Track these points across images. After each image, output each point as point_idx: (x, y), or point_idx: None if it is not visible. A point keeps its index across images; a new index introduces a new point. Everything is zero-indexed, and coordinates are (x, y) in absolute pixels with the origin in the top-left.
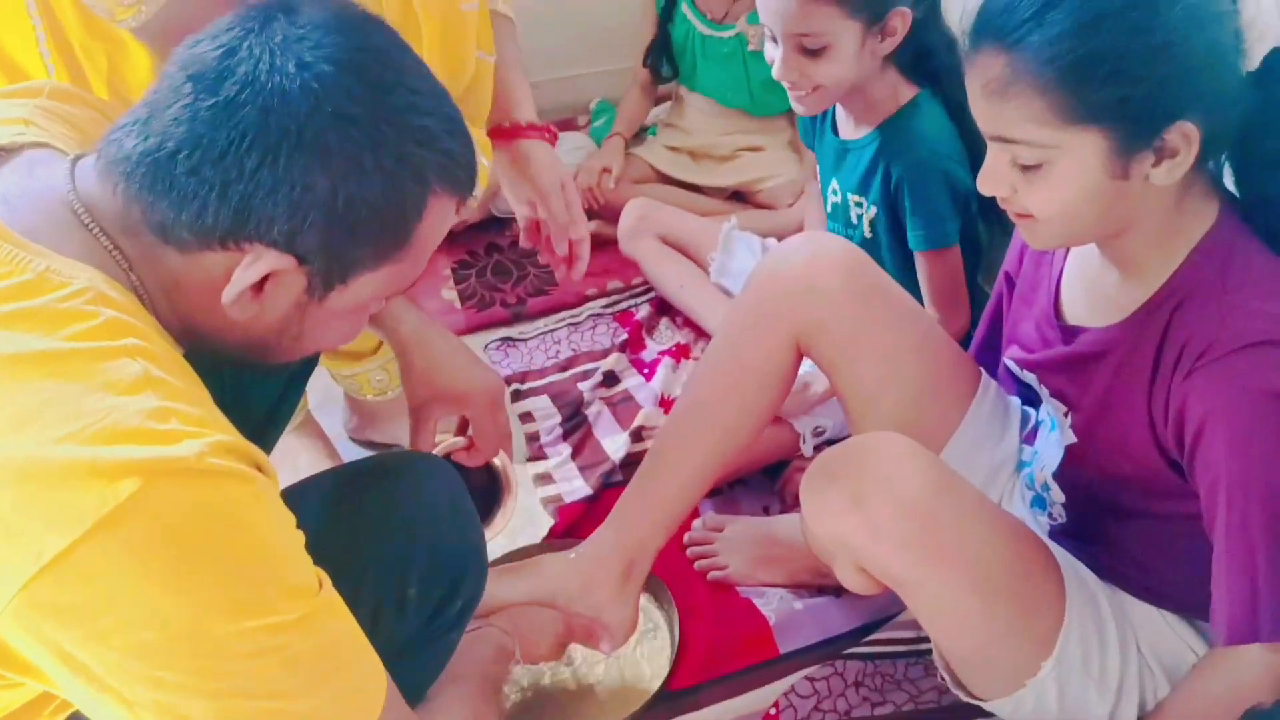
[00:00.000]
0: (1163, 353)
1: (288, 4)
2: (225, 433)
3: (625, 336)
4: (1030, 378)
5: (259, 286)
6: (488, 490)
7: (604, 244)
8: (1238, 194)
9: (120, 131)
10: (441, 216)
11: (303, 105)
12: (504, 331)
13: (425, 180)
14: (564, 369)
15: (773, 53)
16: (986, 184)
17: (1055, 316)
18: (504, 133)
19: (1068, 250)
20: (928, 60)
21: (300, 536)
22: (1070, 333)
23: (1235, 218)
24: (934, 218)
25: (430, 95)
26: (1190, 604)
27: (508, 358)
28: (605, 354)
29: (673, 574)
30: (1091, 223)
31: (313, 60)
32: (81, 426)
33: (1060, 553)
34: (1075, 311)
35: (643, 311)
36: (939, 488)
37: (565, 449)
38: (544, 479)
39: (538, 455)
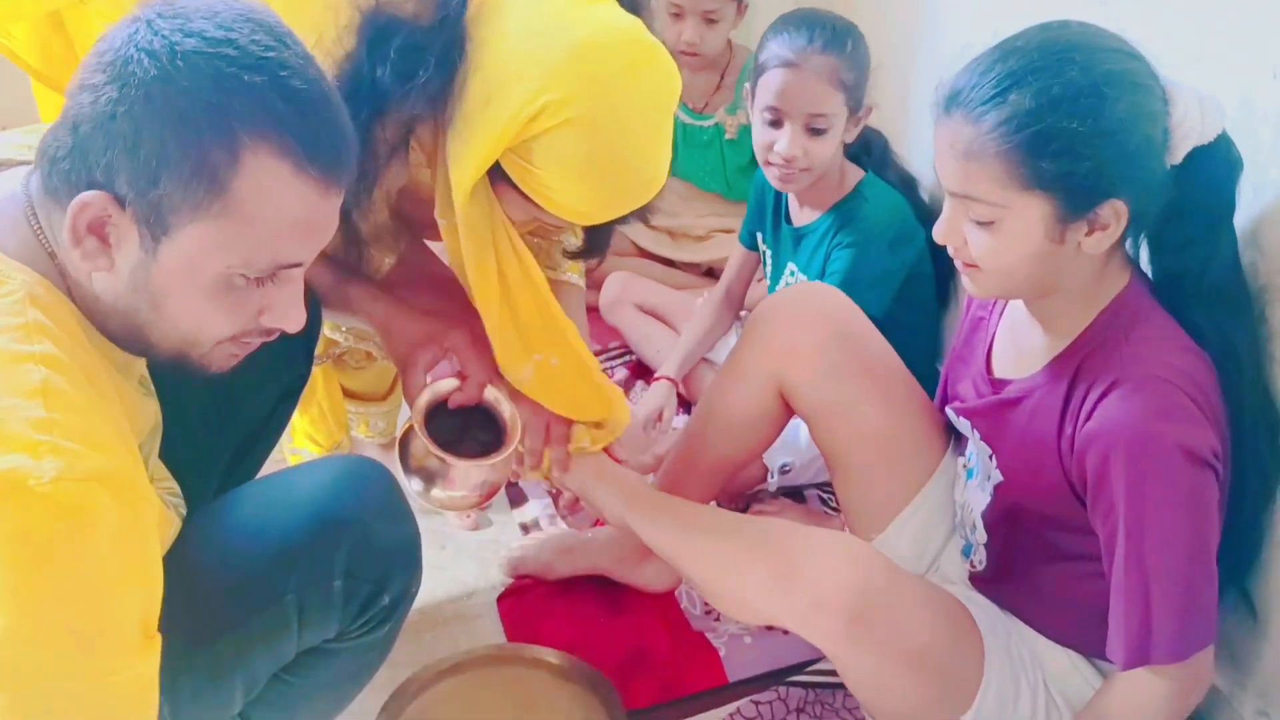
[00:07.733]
0: (1072, 392)
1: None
2: (106, 454)
3: None
4: (964, 424)
5: (102, 234)
6: (488, 427)
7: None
8: (1151, 268)
9: (49, 136)
10: (271, 177)
11: (130, 51)
12: None
13: (227, 127)
14: None
15: (769, 134)
16: (942, 234)
17: (988, 372)
18: None
19: (1000, 317)
20: (868, 149)
21: (149, 567)
22: (999, 385)
23: (1141, 286)
24: (864, 287)
25: (298, 58)
26: (1094, 644)
27: None
28: None
29: (634, 608)
30: (1026, 278)
31: (169, 31)
32: None
33: (978, 604)
34: (1004, 367)
35: (619, 374)
36: (879, 586)
37: (547, 498)
38: (531, 526)
39: (521, 500)
